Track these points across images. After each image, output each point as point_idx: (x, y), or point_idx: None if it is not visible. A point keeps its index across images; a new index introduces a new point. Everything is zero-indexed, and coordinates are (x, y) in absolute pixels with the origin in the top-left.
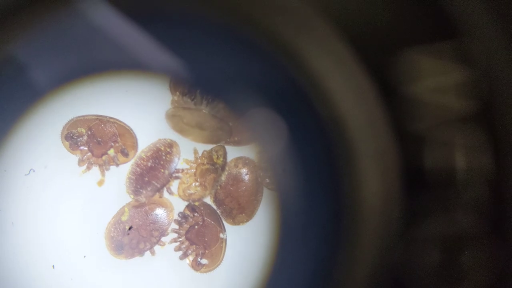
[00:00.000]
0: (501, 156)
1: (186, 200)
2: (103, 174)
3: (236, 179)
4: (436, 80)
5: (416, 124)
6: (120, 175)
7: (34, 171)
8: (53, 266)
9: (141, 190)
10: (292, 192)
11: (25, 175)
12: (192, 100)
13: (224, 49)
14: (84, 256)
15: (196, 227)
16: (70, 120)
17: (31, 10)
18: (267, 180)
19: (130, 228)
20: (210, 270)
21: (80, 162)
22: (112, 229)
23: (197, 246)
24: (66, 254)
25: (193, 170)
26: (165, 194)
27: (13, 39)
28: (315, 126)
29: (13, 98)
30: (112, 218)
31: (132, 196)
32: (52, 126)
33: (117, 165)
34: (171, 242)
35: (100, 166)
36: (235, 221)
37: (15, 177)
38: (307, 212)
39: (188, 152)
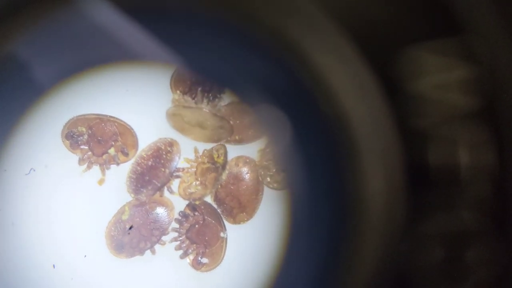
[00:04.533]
0: (505, 153)
1: (187, 199)
2: (103, 173)
3: (236, 178)
4: (440, 77)
5: (420, 121)
6: (120, 174)
7: (34, 170)
8: (54, 266)
9: (141, 189)
10: (296, 189)
11: (26, 174)
12: (193, 98)
13: (228, 47)
14: (85, 256)
15: (197, 226)
16: (71, 119)
17: (32, 7)
18: (268, 179)
19: (130, 228)
20: (210, 269)
21: (81, 161)
22: (112, 228)
23: (198, 245)
24: (67, 253)
25: (194, 169)
26: (166, 193)
27: (13, 36)
28: (319, 123)
29: (15, 96)
30: (113, 217)
31: (132, 195)
32: (52, 125)
33: (118, 164)
34: (171, 241)
35: (101, 165)
36: (235, 220)
37: (15, 177)
38: (311, 209)
39: (188, 151)
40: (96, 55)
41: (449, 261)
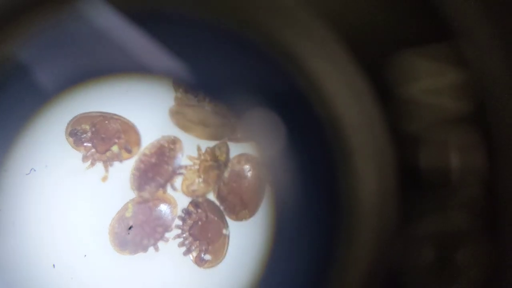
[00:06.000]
0: (494, 155)
1: (190, 196)
2: (107, 170)
3: (239, 176)
4: (431, 81)
5: (412, 125)
6: (124, 171)
7: (35, 170)
8: (54, 265)
9: (145, 186)
10: (290, 191)
11: (26, 174)
12: (195, 97)
13: (223, 51)
14: (85, 255)
15: (200, 223)
16: (74, 117)
17: (35, 14)
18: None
19: (130, 228)
20: (213, 266)
21: (84, 158)
22: (116, 225)
23: (201, 242)
24: (67, 253)
25: (197, 167)
26: (169, 190)
27: (19, 45)
28: (313, 126)
29: (20, 104)
30: (116, 214)
31: (136, 192)
32: (56, 125)
33: (121, 161)
34: (174, 238)
35: (104, 162)
36: (238, 217)
37: (16, 176)
38: (305, 210)
39: (191, 148)
40: (100, 62)
41: (440, 262)
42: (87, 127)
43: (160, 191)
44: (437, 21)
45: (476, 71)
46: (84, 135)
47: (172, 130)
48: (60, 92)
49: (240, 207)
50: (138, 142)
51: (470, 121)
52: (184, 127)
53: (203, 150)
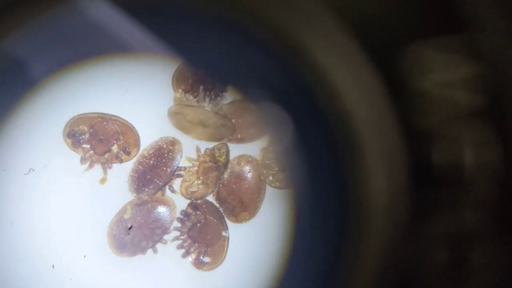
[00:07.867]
0: (509, 152)
1: (189, 198)
2: (105, 172)
3: (238, 177)
4: (444, 74)
5: (424, 119)
6: (122, 173)
7: (33, 170)
8: (53, 266)
9: (143, 188)
10: (299, 188)
11: (25, 174)
12: (195, 97)
13: (229, 44)
14: (84, 256)
15: (199, 225)
16: (72, 118)
17: (24, 4)
18: (270, 178)
19: (130, 228)
20: (212, 268)
21: (83, 160)
22: (114, 227)
23: (200, 244)
24: (66, 253)
25: (196, 168)
26: (168, 192)
27: (6, 30)
28: (322, 121)
29: (7, 88)
30: (115, 216)
31: (134, 194)
32: (53, 124)
33: (120, 163)
34: (173, 240)
35: (103, 164)
36: (237, 219)
37: (14, 177)
38: (313, 208)
39: (190, 150)
40: (94, 49)
41: (453, 262)
42: (85, 128)
43: (159, 193)
44: (451, 12)
45: (491, 64)
46: (82, 137)
47: (171, 131)
48: (51, 76)
49: (240, 209)
50: (136, 144)
51: (485, 116)
52: (183, 128)
53: (202, 151)
